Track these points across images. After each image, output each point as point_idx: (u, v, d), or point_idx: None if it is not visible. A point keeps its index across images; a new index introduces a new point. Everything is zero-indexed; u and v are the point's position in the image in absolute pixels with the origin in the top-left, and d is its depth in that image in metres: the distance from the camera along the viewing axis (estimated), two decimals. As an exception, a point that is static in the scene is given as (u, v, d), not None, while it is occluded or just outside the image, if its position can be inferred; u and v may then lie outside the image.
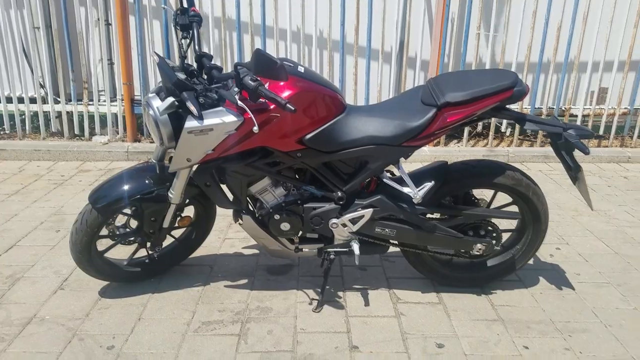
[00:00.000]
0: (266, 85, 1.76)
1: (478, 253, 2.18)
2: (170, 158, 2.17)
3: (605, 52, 4.27)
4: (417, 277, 2.44)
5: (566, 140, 1.98)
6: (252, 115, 1.71)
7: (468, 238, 2.16)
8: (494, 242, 2.18)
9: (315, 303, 2.23)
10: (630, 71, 4.32)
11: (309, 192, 2.11)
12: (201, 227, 2.43)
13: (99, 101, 4.35)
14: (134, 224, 2.26)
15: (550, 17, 4.13)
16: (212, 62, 1.92)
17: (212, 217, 2.42)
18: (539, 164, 4.27)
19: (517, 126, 4.43)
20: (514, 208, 2.27)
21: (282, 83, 1.82)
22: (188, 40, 2.01)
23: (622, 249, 2.79)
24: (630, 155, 4.32)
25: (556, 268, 2.58)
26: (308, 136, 1.92)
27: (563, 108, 4.47)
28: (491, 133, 4.42)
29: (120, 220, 2.27)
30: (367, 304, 2.25)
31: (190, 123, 1.82)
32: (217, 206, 2.27)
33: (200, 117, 1.80)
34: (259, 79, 1.69)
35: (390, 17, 4.21)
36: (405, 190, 2.01)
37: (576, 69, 4.34)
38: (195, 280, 2.42)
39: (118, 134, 4.42)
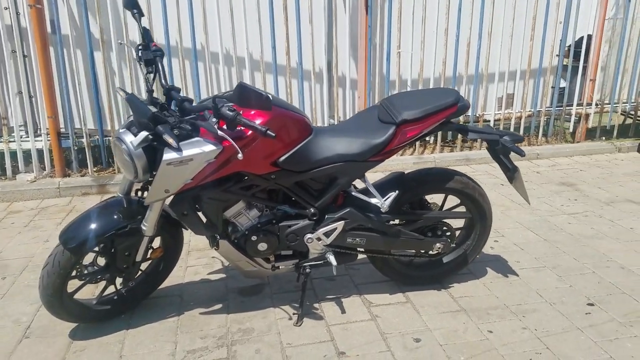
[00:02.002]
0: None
1: (438, 251, 2.40)
2: (137, 191, 2.19)
3: (509, 63, 4.80)
4: (382, 280, 2.61)
5: (503, 145, 2.27)
6: (234, 143, 1.79)
7: (428, 239, 2.37)
8: (449, 240, 2.41)
9: (295, 317, 2.31)
10: (530, 78, 4.88)
11: (283, 211, 2.21)
12: (169, 257, 2.42)
13: (20, 137, 4.11)
14: (101, 261, 2.22)
15: (461, 34, 4.57)
16: (182, 94, 1.98)
17: (180, 246, 2.43)
18: (462, 167, 4.67)
19: (440, 134, 4.82)
20: (462, 208, 2.53)
21: (252, 112, 1.92)
22: (152, 75, 2.04)
23: (549, 235, 3.17)
24: (539, 152, 4.86)
25: (499, 258, 2.88)
26: (282, 158, 2.03)
27: (477, 115, 4.94)
28: (418, 142, 4.77)
29: (87, 258, 2.21)
30: (343, 311, 2.38)
31: (169, 155, 1.85)
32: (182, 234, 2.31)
33: (178, 149, 1.84)
34: (235, 109, 1.78)
35: (318, 39, 4.42)
36: (373, 200, 2.18)
37: (486, 80, 4.83)
38: (167, 312, 2.40)
39: (45, 170, 4.20)
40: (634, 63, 5.05)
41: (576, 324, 2.26)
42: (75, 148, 4.20)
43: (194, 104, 1.98)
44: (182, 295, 2.54)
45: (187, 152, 1.86)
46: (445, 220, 2.42)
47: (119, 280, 2.29)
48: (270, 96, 1.72)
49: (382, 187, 2.24)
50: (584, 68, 5.00)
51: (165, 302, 2.48)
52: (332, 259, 2.23)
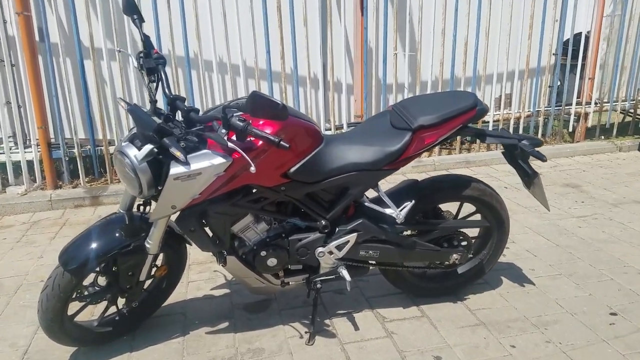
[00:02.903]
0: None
1: (454, 262, 2.30)
2: (139, 206, 2.07)
3: (507, 63, 4.73)
4: (394, 293, 2.51)
5: (522, 150, 2.18)
6: (245, 155, 1.67)
7: (444, 250, 2.27)
8: (466, 250, 2.32)
9: (307, 336, 2.20)
10: (529, 78, 4.82)
11: (292, 224, 2.10)
12: (172, 274, 2.30)
13: (9, 149, 3.95)
14: (102, 280, 2.09)
15: (458, 34, 4.50)
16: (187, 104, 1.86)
17: (184, 262, 2.30)
18: (462, 170, 4.59)
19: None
20: (477, 216, 2.43)
21: (261, 122, 1.81)
22: (155, 84, 1.92)
23: (560, 240, 3.09)
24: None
25: (512, 266, 2.79)
26: (292, 169, 1.92)
27: (477, 116, 4.86)
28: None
29: (87, 279, 2.08)
30: (356, 328, 2.27)
31: (177, 169, 1.73)
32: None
33: (186, 162, 1.73)
34: (245, 118, 1.67)
35: (313, 42, 4.31)
36: (387, 211, 2.08)
37: (484, 81, 4.75)
38: (171, 332, 2.28)
39: (35, 182, 4.04)
40: (633, 60, 5.01)
41: (601, 336, 2.17)
42: (67, 158, 4.04)
43: (200, 113, 1.86)
44: (186, 314, 2.42)
45: (195, 166, 1.74)
46: (462, 230, 2.32)
47: (120, 300, 2.17)
48: (285, 105, 1.61)
49: (396, 197, 2.14)
50: (581, 66, 4.94)
51: (168, 322, 2.35)
52: (345, 273, 2.12)
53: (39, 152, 3.95)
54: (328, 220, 2.09)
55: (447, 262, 2.30)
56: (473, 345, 2.14)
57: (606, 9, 4.84)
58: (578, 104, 5.02)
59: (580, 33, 4.93)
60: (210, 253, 2.13)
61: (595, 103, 5.04)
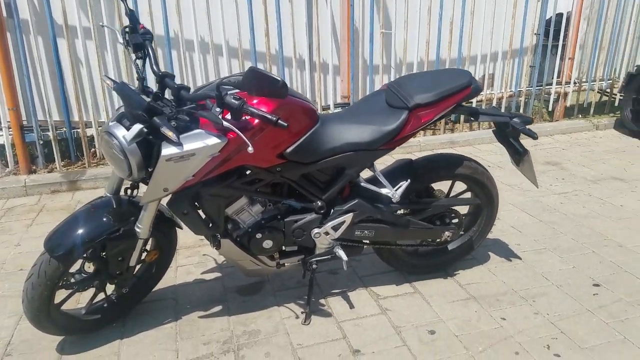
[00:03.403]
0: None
1: (447, 239, 2.33)
2: (126, 189, 2.01)
3: (491, 43, 4.74)
4: (387, 271, 2.53)
5: (513, 127, 2.19)
6: (242, 135, 1.63)
7: (437, 227, 2.29)
8: (458, 227, 2.34)
9: (303, 316, 2.20)
10: (512, 58, 4.86)
11: (288, 205, 2.07)
12: (162, 258, 2.25)
13: (-19, 132, 3.79)
14: (89, 267, 2.04)
15: (444, 13, 4.48)
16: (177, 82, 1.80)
17: (174, 246, 2.25)
18: (447, 150, 4.62)
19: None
20: (467, 194, 2.45)
21: (255, 100, 1.76)
22: (142, 61, 1.85)
23: (543, 216, 3.15)
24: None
25: (498, 242, 2.84)
26: (289, 150, 1.89)
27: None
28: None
29: (74, 266, 2.02)
30: (351, 306, 2.28)
31: (169, 150, 1.68)
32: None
33: (179, 143, 1.67)
34: (241, 97, 1.62)
35: (299, 20, 4.24)
36: (383, 191, 2.07)
37: (468, 61, 4.77)
38: (163, 317, 2.24)
39: (7, 167, 3.89)
40: (611, 40, 5.09)
41: (586, 306, 2.24)
42: (41, 142, 3.90)
43: (190, 91, 1.80)
44: (177, 298, 2.38)
45: (188, 146, 1.69)
46: (453, 208, 2.34)
47: (109, 287, 2.11)
48: (285, 82, 1.57)
49: (391, 176, 2.13)
50: (557, 47, 5.00)
51: (159, 307, 2.32)
52: (341, 253, 2.11)
53: (10, 135, 3.80)
54: (324, 201, 2.07)
55: (439, 240, 2.32)
56: (465, 319, 2.17)
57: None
58: (558, 83, 5.09)
59: (562, 14, 4.97)
60: (203, 236, 2.09)
61: (574, 83, 5.12)
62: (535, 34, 4.93)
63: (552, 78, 5.06)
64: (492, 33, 4.72)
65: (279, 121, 1.61)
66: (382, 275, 2.52)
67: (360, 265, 2.61)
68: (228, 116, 1.67)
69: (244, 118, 1.72)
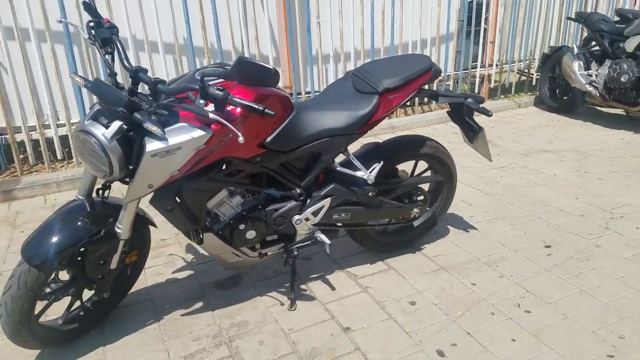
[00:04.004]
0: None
1: (415, 216, 2.46)
2: (98, 190, 1.94)
3: (420, 30, 4.98)
4: (359, 252, 2.62)
5: (468, 107, 2.36)
6: (231, 126, 1.63)
7: (406, 205, 2.41)
8: (424, 204, 2.48)
9: (288, 302, 2.24)
10: (440, 44, 5.12)
11: (267, 195, 2.10)
12: (138, 259, 2.19)
13: None
14: (63, 275, 1.95)
15: (375, 3, 4.63)
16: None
17: (148, 246, 2.20)
18: (388, 135, 4.81)
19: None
20: (428, 172, 2.60)
21: (235, 89, 1.77)
22: (111, 56, 1.78)
23: (488, 189, 3.40)
24: (452, 114, 5.16)
25: (454, 216, 3.03)
26: (268, 139, 1.91)
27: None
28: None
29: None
30: (332, 288, 2.35)
31: (153, 145, 1.65)
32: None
33: (164, 137, 1.65)
34: (225, 88, 1.63)
35: (235, 14, 4.20)
36: (359, 174, 2.15)
37: (400, 49, 4.96)
38: (143, 319, 2.19)
39: None
40: (525, 24, 5.52)
41: (543, 266, 2.47)
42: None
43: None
44: (153, 300, 2.33)
45: (173, 140, 1.66)
46: (419, 186, 2.47)
47: (84, 294, 2.03)
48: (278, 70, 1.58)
49: (362, 160, 2.22)
50: (479, 31, 5.34)
51: (137, 310, 2.25)
52: (323, 237, 2.17)
53: None
54: (302, 188, 2.12)
55: (408, 217, 2.45)
56: (440, 288, 2.32)
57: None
58: (482, 67, 5.43)
59: (472, 1, 5.30)
60: (180, 234, 2.06)
61: (496, 65, 5.50)
62: (459, 20, 5.23)
63: (477, 62, 5.39)
64: (420, 21, 4.94)
65: (266, 110, 1.63)
66: (354, 256, 2.61)
67: (333, 249, 2.67)
68: (210, 107, 1.67)
69: (226, 109, 1.72)
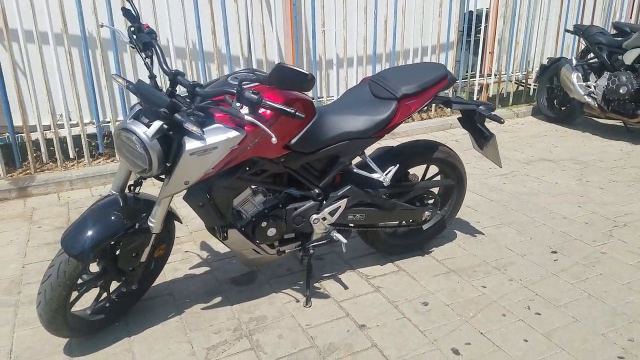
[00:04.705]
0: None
1: (426, 219, 2.55)
2: (130, 187, 2.02)
3: (421, 39, 5.10)
4: (368, 253, 2.71)
5: (480, 114, 2.46)
6: (265, 128, 1.72)
7: (418, 208, 2.50)
8: (435, 207, 2.57)
9: (304, 299, 2.31)
10: (440, 53, 5.24)
11: (286, 194, 2.18)
12: (163, 253, 2.26)
13: None
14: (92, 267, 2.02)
15: (378, 12, 4.75)
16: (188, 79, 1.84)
17: (173, 240, 2.28)
18: (389, 141, 4.91)
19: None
20: (438, 177, 2.69)
21: (266, 93, 1.86)
22: (150, 60, 1.87)
23: (492, 196, 3.50)
24: (452, 123, 5.27)
25: (461, 221, 3.12)
26: (293, 141, 2.00)
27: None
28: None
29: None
30: (345, 287, 2.43)
31: (192, 144, 1.73)
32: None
33: (202, 137, 1.73)
34: (259, 92, 1.72)
35: (244, 20, 4.30)
36: (374, 176, 2.24)
37: (402, 57, 5.08)
38: (165, 312, 2.26)
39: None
40: (524, 36, 5.66)
41: (550, 271, 2.56)
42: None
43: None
44: (173, 294, 2.40)
45: (211, 140, 1.75)
46: (430, 189, 2.56)
47: (112, 286, 2.11)
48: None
49: (377, 162, 2.31)
50: (480, 41, 5.48)
51: (158, 303, 2.32)
52: (339, 236, 2.26)
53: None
54: (321, 189, 2.20)
55: (420, 219, 2.54)
56: (451, 290, 2.41)
57: (503, -10, 5.40)
58: (481, 76, 5.56)
59: (472, 12, 5.43)
60: (208, 229, 2.14)
61: (495, 75, 5.63)
62: (458, 30, 5.36)
63: (475, 71, 5.52)
64: (421, 30, 5.07)
65: (297, 113, 1.72)
66: (364, 257, 2.69)
67: (341, 250, 2.73)
68: (244, 110, 1.76)
69: (259, 112, 1.81)
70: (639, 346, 2.03)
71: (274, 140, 1.71)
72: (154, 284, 2.39)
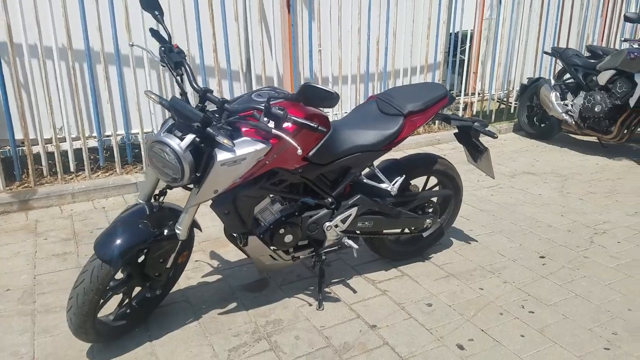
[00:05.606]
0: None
1: (427, 226, 2.73)
2: (155, 196, 2.14)
3: (411, 60, 5.35)
4: (373, 259, 2.87)
5: (475, 130, 2.67)
6: (291, 140, 1.87)
7: (420, 216, 2.68)
8: (436, 215, 2.76)
9: (316, 303, 2.45)
10: (428, 72, 5.51)
11: (303, 202, 2.33)
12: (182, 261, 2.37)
13: None
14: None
15: (371, 34, 4.98)
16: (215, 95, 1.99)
17: (192, 246, 2.39)
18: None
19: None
20: (436, 187, 2.88)
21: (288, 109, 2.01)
22: (180, 77, 2.01)
23: (482, 206, 3.71)
24: (439, 138, 5.52)
25: (455, 229, 3.31)
26: (311, 153, 2.15)
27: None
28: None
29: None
30: (354, 291, 2.58)
31: (223, 155, 1.87)
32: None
33: (233, 149, 1.87)
34: (284, 108, 1.87)
35: (244, 39, 4.47)
36: (383, 186, 2.41)
37: (393, 75, 5.32)
38: (183, 318, 2.36)
39: (-58, 191, 3.62)
40: (506, 57, 5.98)
41: (540, 274, 2.76)
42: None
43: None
44: (189, 301, 2.50)
45: (240, 152, 1.89)
46: (432, 199, 2.75)
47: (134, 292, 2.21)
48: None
49: (385, 174, 2.48)
50: (464, 61, 5.77)
51: (176, 310, 2.42)
52: (351, 242, 2.41)
53: (-52, 156, 3.54)
54: (333, 197, 2.36)
55: (422, 227, 2.72)
56: (451, 292, 2.58)
57: (485, 13, 5.71)
58: (465, 95, 5.84)
59: (457, 33, 5.72)
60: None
61: (478, 94, 5.92)
62: (444, 52, 5.64)
63: (459, 90, 5.79)
64: (411, 51, 5.32)
65: (319, 127, 1.88)
66: (369, 263, 2.85)
67: (348, 257, 2.91)
68: (270, 124, 1.91)
69: (284, 126, 1.96)
70: (622, 339, 2.23)
71: (299, 151, 1.86)
72: (170, 292, 2.49)
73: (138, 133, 4.16)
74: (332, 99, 1.80)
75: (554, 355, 2.12)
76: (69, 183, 3.89)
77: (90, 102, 4.02)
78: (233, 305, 2.46)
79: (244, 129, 1.96)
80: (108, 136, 4.15)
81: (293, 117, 1.87)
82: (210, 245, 3.06)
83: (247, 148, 1.91)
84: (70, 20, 3.71)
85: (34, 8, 3.58)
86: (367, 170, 2.47)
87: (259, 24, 4.49)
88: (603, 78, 4.69)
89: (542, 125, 5.52)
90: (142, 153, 4.15)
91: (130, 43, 2.13)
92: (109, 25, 3.85)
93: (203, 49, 4.24)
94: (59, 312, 2.41)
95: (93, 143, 4.08)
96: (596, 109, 4.69)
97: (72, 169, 4.00)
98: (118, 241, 1.92)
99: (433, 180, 2.85)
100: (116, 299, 2.19)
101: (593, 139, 5.30)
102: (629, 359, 2.11)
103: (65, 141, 3.94)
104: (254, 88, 4.66)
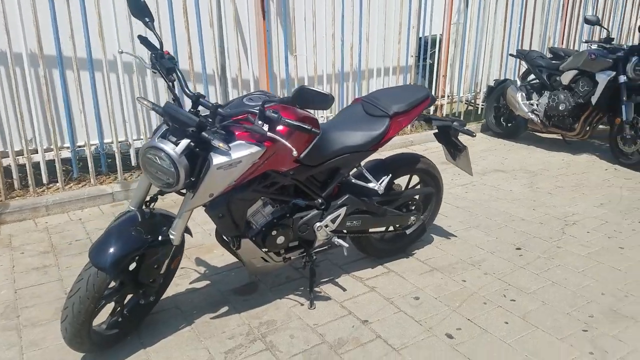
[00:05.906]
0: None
1: (412, 224, 2.81)
2: (147, 203, 2.14)
3: (383, 64, 5.47)
4: (358, 258, 2.93)
5: (454, 129, 2.78)
6: (286, 142, 1.92)
7: (405, 214, 2.76)
8: (419, 212, 2.85)
9: (307, 302, 2.49)
10: (400, 75, 5.64)
11: (294, 204, 2.37)
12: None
13: None
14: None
15: (345, 39, 5.08)
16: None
17: (182, 252, 2.40)
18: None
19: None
20: (418, 185, 2.98)
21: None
22: (172, 83, 2.02)
23: (458, 203, 3.84)
24: (412, 140, 5.65)
25: (435, 226, 3.41)
26: (302, 155, 2.20)
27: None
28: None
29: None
30: (343, 289, 2.63)
31: (220, 159, 1.90)
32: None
33: (228, 153, 1.90)
34: (278, 111, 1.92)
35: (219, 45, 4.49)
36: (370, 185, 2.49)
37: (367, 79, 5.43)
38: (175, 324, 2.37)
39: None
40: (473, 60, 6.18)
41: (517, 264, 2.89)
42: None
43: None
44: (180, 307, 2.50)
45: (235, 155, 1.92)
46: (415, 197, 2.84)
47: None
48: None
49: (371, 173, 2.55)
50: (432, 65, 5.94)
51: (167, 316, 2.42)
52: (341, 242, 2.47)
53: None
54: (323, 198, 2.41)
55: (406, 224, 2.80)
56: (436, 285, 2.67)
57: (453, 18, 5.89)
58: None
59: (427, 37, 5.89)
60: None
61: (448, 96, 6.09)
62: (412, 56, 5.77)
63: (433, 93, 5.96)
64: (383, 56, 5.45)
65: (313, 129, 1.94)
66: (356, 262, 2.91)
67: (334, 257, 2.97)
68: (265, 127, 1.95)
69: (278, 128, 2.01)
70: (598, 320, 2.37)
71: (294, 152, 1.91)
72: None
73: (112, 142, 4.11)
74: (327, 101, 1.85)
75: (537, 339, 2.24)
76: (41, 196, 3.80)
77: (62, 111, 3.94)
78: (225, 309, 2.48)
79: (237, 133, 1.99)
80: (81, 146, 4.07)
81: (287, 120, 1.92)
82: (195, 252, 3.06)
83: (243, 151, 1.94)
84: (40, 25, 3.64)
85: (1, 12, 3.50)
86: (354, 170, 2.54)
87: (234, 30, 4.51)
88: (566, 78, 4.92)
89: (509, 124, 5.73)
90: (117, 162, 4.09)
91: (120, 50, 2.13)
92: (82, 29, 3.79)
93: (178, 55, 4.23)
94: (45, 324, 2.37)
95: (67, 154, 4.00)
96: (560, 108, 4.91)
97: (44, 180, 3.92)
98: (113, 249, 1.92)
99: (416, 180, 2.94)
100: (108, 308, 2.18)
101: (557, 136, 5.53)
102: (605, 339, 2.24)
103: (37, 153, 3.85)
104: (229, 92, 4.67)
